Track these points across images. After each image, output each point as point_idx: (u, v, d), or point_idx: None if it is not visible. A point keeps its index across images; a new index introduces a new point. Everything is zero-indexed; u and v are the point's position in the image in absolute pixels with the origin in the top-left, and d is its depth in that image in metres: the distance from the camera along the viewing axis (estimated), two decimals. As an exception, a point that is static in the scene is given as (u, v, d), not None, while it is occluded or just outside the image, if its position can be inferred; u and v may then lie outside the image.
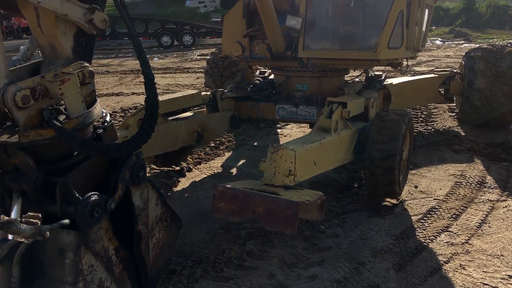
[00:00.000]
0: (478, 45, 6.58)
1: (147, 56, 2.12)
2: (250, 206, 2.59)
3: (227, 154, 5.45)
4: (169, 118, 4.21)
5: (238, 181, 3.01)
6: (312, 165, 3.22)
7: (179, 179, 4.63)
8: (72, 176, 1.86)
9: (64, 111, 1.88)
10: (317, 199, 2.73)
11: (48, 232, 1.63)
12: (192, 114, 4.55)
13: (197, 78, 11.17)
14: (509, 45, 6.22)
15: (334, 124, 3.53)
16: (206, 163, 5.13)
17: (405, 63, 5.09)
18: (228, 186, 2.75)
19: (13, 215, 1.69)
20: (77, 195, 1.83)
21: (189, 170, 4.89)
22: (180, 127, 4.21)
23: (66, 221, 1.72)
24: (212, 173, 4.83)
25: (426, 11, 5.00)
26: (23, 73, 1.94)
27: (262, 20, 4.27)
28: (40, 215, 1.65)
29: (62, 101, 1.83)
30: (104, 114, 2.12)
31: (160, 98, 4.09)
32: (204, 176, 4.75)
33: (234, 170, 4.93)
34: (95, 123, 2.02)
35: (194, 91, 4.67)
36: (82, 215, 1.79)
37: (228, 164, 5.10)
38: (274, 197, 2.58)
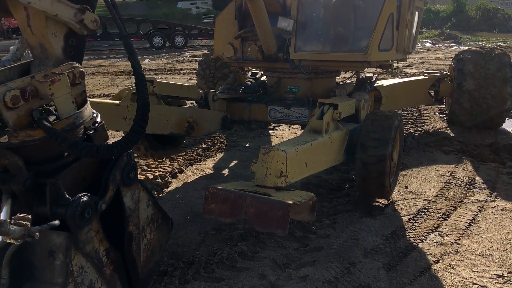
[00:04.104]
0: (467, 48, 6.66)
1: (139, 57, 2.12)
2: (242, 207, 2.59)
3: (219, 155, 5.45)
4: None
5: (230, 182, 3.01)
6: (304, 166, 3.24)
7: (171, 181, 4.61)
8: (62, 177, 1.84)
9: (54, 112, 1.87)
10: (308, 200, 2.75)
11: (37, 233, 1.62)
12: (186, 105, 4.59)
13: (189, 79, 11.15)
14: (498, 47, 6.31)
15: (325, 125, 3.55)
16: (197, 164, 5.12)
17: (395, 65, 5.13)
18: (220, 187, 2.75)
19: (2, 216, 1.68)
20: (67, 196, 1.82)
21: (181, 171, 4.89)
22: (172, 113, 4.22)
23: (56, 222, 1.71)
24: (204, 174, 4.83)
25: (416, 13, 5.05)
26: (13, 73, 1.93)
27: (254, 21, 4.28)
28: (29, 216, 1.64)
29: (52, 102, 1.82)
30: (94, 115, 2.11)
31: (158, 80, 4.13)
32: (196, 177, 4.74)
33: (226, 171, 4.93)
34: (85, 124, 2.01)
35: (192, 84, 4.69)
36: (72, 216, 1.78)
37: (220, 165, 5.10)
38: (265, 198, 2.59)
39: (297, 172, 3.12)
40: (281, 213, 2.46)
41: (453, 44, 20.29)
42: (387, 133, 3.59)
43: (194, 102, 4.90)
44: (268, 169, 2.88)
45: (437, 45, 20.09)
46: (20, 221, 1.63)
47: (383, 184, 3.60)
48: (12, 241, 1.56)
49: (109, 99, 3.96)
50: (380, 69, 5.16)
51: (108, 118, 3.51)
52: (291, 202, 2.51)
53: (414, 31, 5.11)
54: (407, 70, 11.66)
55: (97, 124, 2.10)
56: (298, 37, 4.40)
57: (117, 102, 3.74)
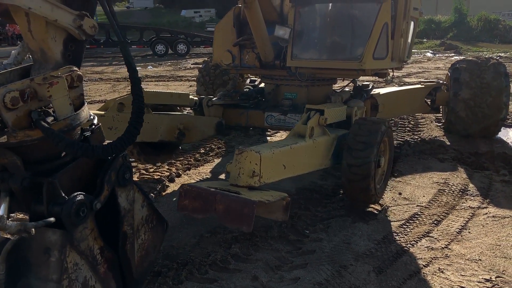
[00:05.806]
0: (463, 57, 6.74)
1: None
2: (212, 204, 2.72)
3: (217, 160, 5.52)
4: (154, 113, 4.34)
5: (206, 181, 3.13)
6: (282, 168, 3.35)
7: (168, 184, 4.68)
8: (59, 177, 1.90)
9: (52, 113, 1.94)
10: (281, 200, 2.85)
11: (33, 229, 1.69)
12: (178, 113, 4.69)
13: (190, 86, 11.26)
14: (498, 57, 6.38)
15: (309, 130, 3.65)
16: (195, 169, 5.19)
17: (391, 73, 5.21)
18: (193, 184, 2.90)
19: (-1, 212, 1.74)
20: (64, 195, 1.88)
21: (179, 175, 4.95)
22: (161, 121, 4.33)
23: (52, 219, 1.77)
24: (201, 178, 4.89)
25: (412, 23, 5.14)
26: (13, 76, 2.00)
27: (252, 29, 4.38)
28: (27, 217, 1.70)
29: (51, 104, 1.89)
30: (91, 117, 2.18)
31: (146, 90, 4.24)
32: (193, 181, 4.80)
33: (222, 176, 4.99)
34: (82, 126, 2.08)
35: (183, 92, 4.79)
36: (67, 214, 1.84)
37: (217, 170, 5.17)
38: (233, 196, 2.72)
39: (273, 173, 3.24)
40: (246, 210, 2.58)
41: (453, 54, 20.39)
42: (373, 137, 3.67)
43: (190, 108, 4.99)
44: (241, 169, 3.01)
45: (437, 55, 20.19)
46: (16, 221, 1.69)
47: (368, 187, 3.66)
48: (8, 235, 1.62)
49: (96, 110, 4.05)
50: (377, 77, 5.24)
51: None
52: (256, 200, 2.62)
53: (409, 40, 5.20)
54: (407, 79, 11.75)
55: (93, 126, 2.17)
56: (294, 45, 4.49)
57: (103, 112, 3.82)
